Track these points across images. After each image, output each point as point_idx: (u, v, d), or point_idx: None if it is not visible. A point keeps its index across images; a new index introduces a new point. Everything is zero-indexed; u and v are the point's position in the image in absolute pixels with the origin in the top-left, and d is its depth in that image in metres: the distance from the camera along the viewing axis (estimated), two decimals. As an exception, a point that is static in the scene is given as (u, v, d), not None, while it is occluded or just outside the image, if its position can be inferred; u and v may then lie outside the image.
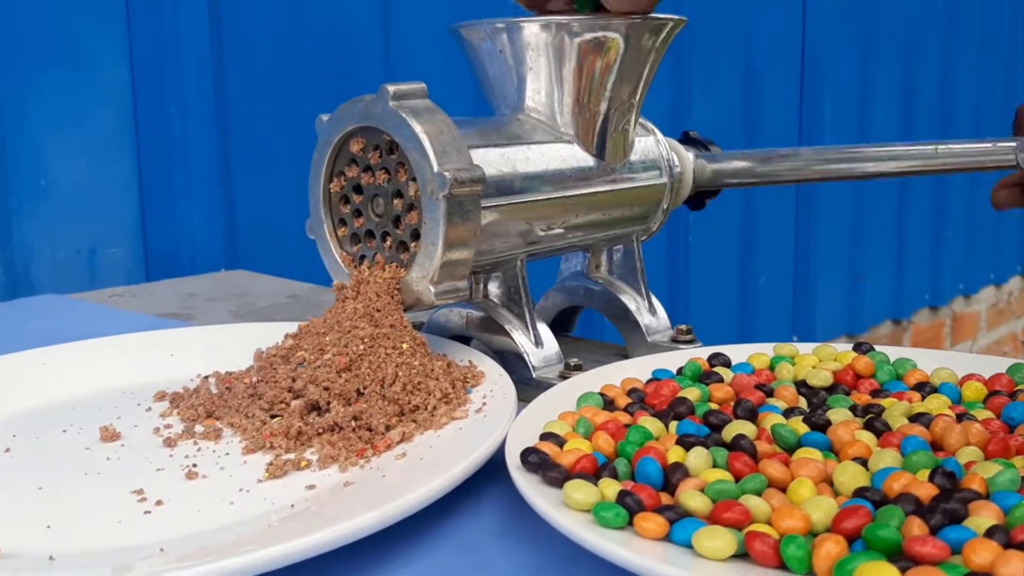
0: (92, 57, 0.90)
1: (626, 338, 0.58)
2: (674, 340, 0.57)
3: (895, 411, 0.39)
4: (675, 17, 0.54)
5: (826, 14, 1.74)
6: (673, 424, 0.39)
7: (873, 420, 0.38)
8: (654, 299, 0.59)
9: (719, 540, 0.29)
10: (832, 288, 1.88)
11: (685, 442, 0.36)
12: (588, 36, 0.52)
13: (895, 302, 2.10)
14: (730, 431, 0.37)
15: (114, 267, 0.92)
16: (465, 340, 0.54)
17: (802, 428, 0.38)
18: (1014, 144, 0.56)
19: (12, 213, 0.86)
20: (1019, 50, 2.28)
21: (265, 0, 0.98)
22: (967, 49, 2.13)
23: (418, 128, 0.45)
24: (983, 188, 2.34)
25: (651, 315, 0.58)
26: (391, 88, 0.46)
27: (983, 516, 0.29)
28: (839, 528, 0.29)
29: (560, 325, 0.64)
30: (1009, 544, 0.27)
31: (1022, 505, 0.29)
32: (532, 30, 0.52)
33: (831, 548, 0.28)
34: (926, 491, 0.30)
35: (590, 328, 0.66)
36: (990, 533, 0.28)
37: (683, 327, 0.58)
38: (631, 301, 0.59)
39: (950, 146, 0.58)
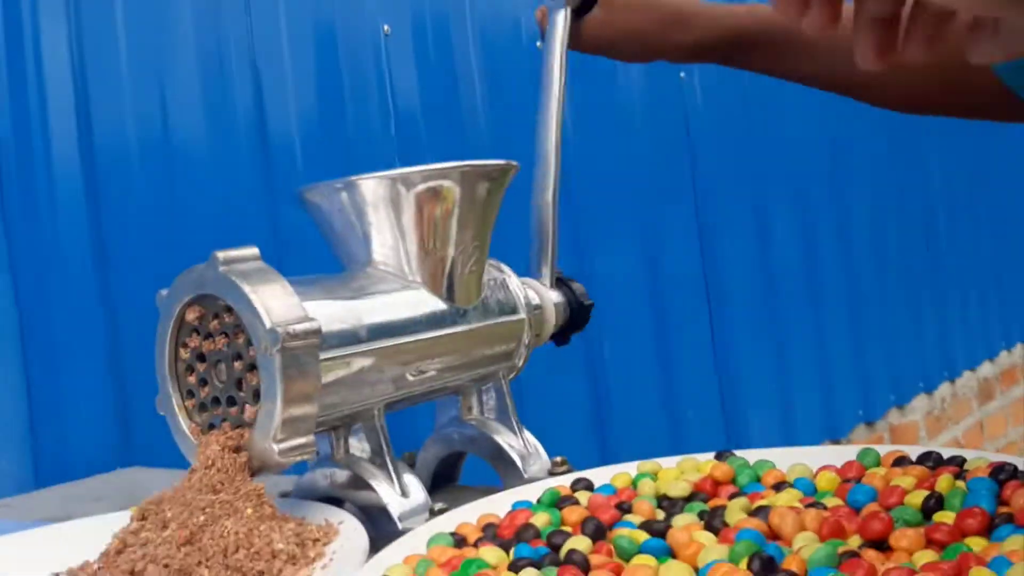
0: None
1: (503, 477, 0.58)
2: (550, 472, 0.56)
3: (735, 507, 0.39)
4: (505, 162, 0.57)
5: (712, 153, 1.84)
6: (514, 550, 0.38)
7: (711, 520, 0.37)
8: (528, 435, 0.59)
9: (531, 657, 0.28)
10: (763, 412, 1.89)
11: (516, 565, 0.35)
12: (423, 186, 0.54)
13: (828, 422, 2.11)
14: (566, 548, 0.36)
15: (2, 478, 0.89)
16: (337, 502, 0.53)
17: (643, 537, 0.37)
18: None
19: None
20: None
21: (146, 200, 1.00)
22: (860, 180, 2.24)
23: (247, 289, 0.45)
24: (895, 293, 2.40)
25: (526, 450, 0.58)
26: (220, 255, 0.47)
27: (798, 596, 0.29)
28: (653, 627, 0.28)
29: (444, 476, 0.63)
30: (815, 617, 0.27)
31: (834, 577, 0.29)
32: (368, 186, 0.54)
33: (639, 648, 0.27)
34: (741, 577, 0.30)
35: (487, 476, 0.65)
36: (797, 609, 0.27)
37: (558, 459, 0.57)
38: (504, 439, 0.58)
39: None
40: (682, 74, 1.84)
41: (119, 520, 0.53)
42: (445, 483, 0.62)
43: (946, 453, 0.43)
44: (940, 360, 2.57)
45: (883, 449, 0.45)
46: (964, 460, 0.41)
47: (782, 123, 2.05)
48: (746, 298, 1.88)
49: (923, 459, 0.43)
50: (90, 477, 0.88)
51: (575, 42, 0.71)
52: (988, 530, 0.33)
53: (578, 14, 0.70)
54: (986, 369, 2.78)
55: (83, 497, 0.78)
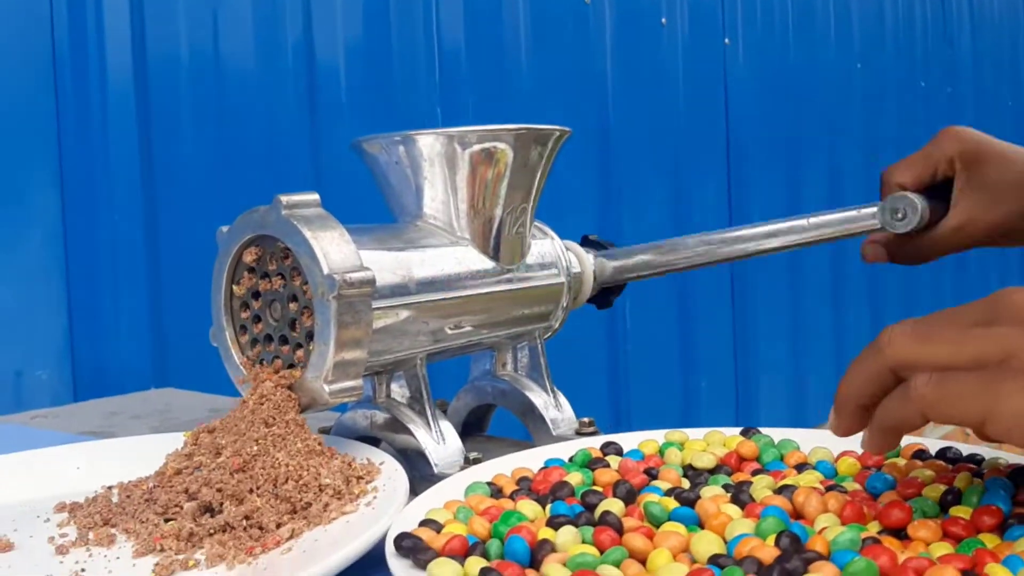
0: (23, 184, 0.92)
1: (532, 433, 0.60)
2: (578, 432, 0.59)
3: (760, 484, 0.41)
4: (558, 128, 0.58)
5: (750, 118, 1.83)
6: (550, 507, 0.40)
7: (738, 493, 0.39)
8: (559, 394, 0.61)
9: (570, 608, 0.30)
10: (775, 388, 1.91)
11: (555, 521, 0.37)
12: (478, 147, 0.56)
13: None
14: (600, 508, 0.38)
15: (40, 389, 0.92)
16: (374, 441, 0.56)
17: (672, 504, 0.39)
18: (875, 209, 0.60)
19: (-64, 338, 0.87)
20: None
21: (196, 123, 1.02)
22: (888, 147, 2.23)
23: (309, 234, 0.47)
24: (917, 279, 2.40)
25: (556, 410, 0.60)
26: (283, 198, 0.48)
27: (821, 574, 0.31)
28: (685, 591, 0.30)
29: (474, 425, 0.65)
30: (837, 596, 0.29)
31: (856, 562, 0.31)
32: (426, 142, 0.56)
33: (671, 608, 0.29)
34: (769, 553, 0.32)
35: (512, 429, 0.67)
36: (821, 587, 0.29)
37: (586, 420, 0.59)
38: (537, 397, 0.60)
39: (820, 217, 0.62)
40: (727, 40, 1.83)
41: (164, 441, 0.56)
42: (474, 432, 0.65)
43: (959, 445, 0.45)
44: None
45: (903, 440, 0.47)
46: (982, 459, 0.43)
47: (819, 94, 2.04)
48: (769, 272, 1.89)
49: (942, 453, 0.44)
50: (125, 395, 0.91)
51: (927, 249, 0.62)
52: (1002, 529, 0.35)
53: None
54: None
55: (121, 414, 0.81)
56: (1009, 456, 0.43)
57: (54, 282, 0.94)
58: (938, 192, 0.61)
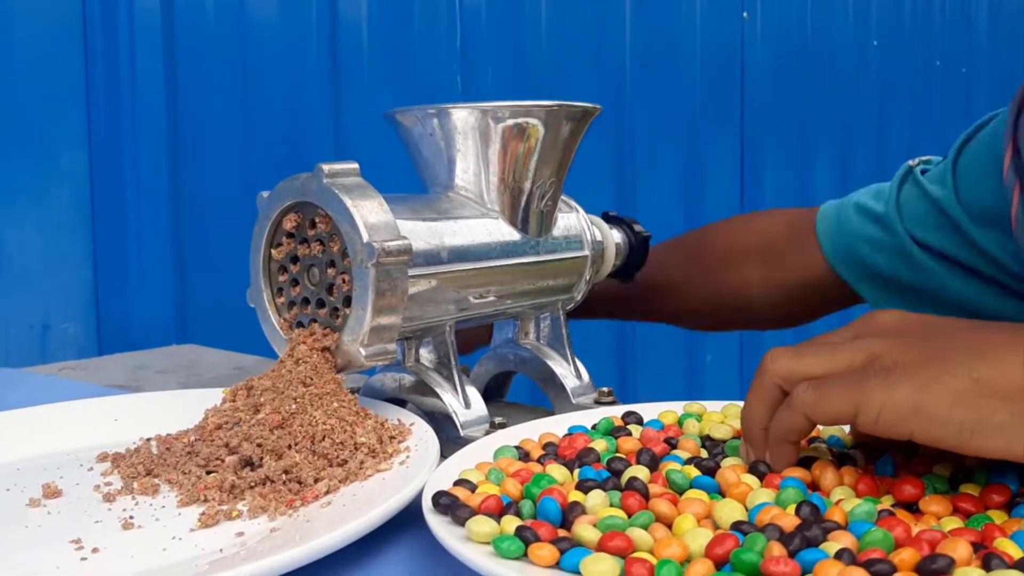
0: (51, 139, 0.94)
1: (552, 400, 0.62)
2: (597, 401, 0.61)
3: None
4: (589, 105, 0.59)
5: (764, 96, 1.84)
6: (578, 471, 0.42)
7: (757, 464, 0.41)
8: (579, 364, 0.63)
9: (603, 564, 0.32)
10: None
11: (584, 485, 0.39)
12: (511, 121, 0.57)
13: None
14: (627, 475, 0.40)
15: (66, 342, 0.94)
16: (400, 403, 0.58)
17: (694, 472, 0.41)
18: None
19: (-34, 289, 0.88)
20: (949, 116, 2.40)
21: (222, 86, 1.03)
22: (900, 130, 2.24)
23: (349, 203, 0.49)
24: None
25: (576, 379, 0.62)
26: (325, 167, 0.50)
27: (839, 543, 0.33)
28: (710, 554, 0.32)
29: (495, 391, 0.67)
30: (854, 563, 0.31)
31: (873, 532, 0.33)
32: (460, 115, 0.57)
33: (699, 570, 0.31)
34: (790, 521, 0.34)
35: (531, 396, 0.69)
36: (839, 555, 0.31)
37: (605, 389, 0.61)
38: (558, 366, 0.62)
39: None
40: (745, 14, 1.83)
41: (197, 396, 0.58)
42: (494, 398, 0.67)
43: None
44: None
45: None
46: None
47: (834, 69, 2.03)
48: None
49: None
50: (149, 350, 0.93)
51: None
52: (1009, 508, 0.37)
53: None
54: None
55: (146, 368, 0.83)
56: None
57: (80, 238, 0.96)
58: None
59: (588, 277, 0.64)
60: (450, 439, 0.53)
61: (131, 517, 0.42)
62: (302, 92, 1.11)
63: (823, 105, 2.01)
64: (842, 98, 2.07)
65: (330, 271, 0.51)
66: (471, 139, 0.58)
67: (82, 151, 0.95)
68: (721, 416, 0.51)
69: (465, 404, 0.55)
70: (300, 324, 0.53)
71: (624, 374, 1.57)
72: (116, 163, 0.96)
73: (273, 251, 0.54)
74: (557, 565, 0.33)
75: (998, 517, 0.36)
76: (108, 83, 0.96)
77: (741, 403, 0.53)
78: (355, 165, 0.51)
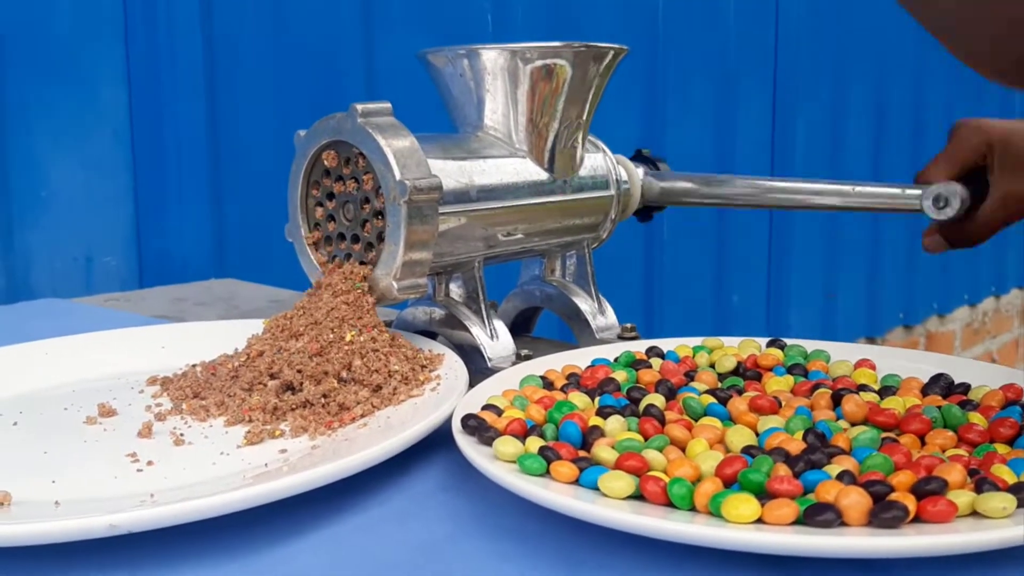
0: (92, 77, 0.96)
1: (577, 336, 0.64)
2: (620, 336, 0.63)
3: (773, 383, 0.45)
4: (616, 46, 0.60)
5: (799, 40, 1.82)
6: (599, 399, 0.44)
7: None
8: (604, 301, 0.65)
9: (620, 481, 0.35)
10: (805, 306, 1.94)
11: (604, 411, 0.41)
12: (539, 63, 0.59)
13: (869, 320, 2.16)
14: (645, 402, 0.42)
15: (109, 274, 0.98)
16: (431, 336, 0.60)
17: (708, 400, 0.43)
18: (919, 192, 0.63)
19: (14, 222, 0.92)
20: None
21: (256, 26, 1.05)
22: (937, 78, 2.20)
23: (382, 142, 0.51)
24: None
25: (601, 315, 0.64)
26: (359, 107, 0.52)
27: (841, 466, 0.35)
28: (720, 474, 0.35)
29: (522, 326, 0.70)
30: (854, 484, 0.33)
31: (874, 456, 0.35)
32: (490, 56, 0.59)
33: (708, 487, 0.33)
34: (796, 446, 0.36)
35: (558, 332, 0.71)
36: (840, 476, 0.34)
37: (628, 325, 0.64)
38: (583, 303, 0.64)
39: (865, 187, 0.65)
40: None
41: (238, 326, 0.61)
42: (521, 332, 0.69)
43: (976, 367, 0.48)
44: (991, 274, 2.57)
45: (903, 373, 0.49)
46: (969, 387, 0.45)
47: (871, 11, 2.00)
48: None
49: (935, 381, 0.45)
50: (188, 283, 0.96)
51: (978, 231, 0.66)
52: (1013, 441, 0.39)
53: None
54: (1035, 289, 2.78)
55: (187, 300, 0.86)
56: (992, 384, 0.45)
57: (121, 175, 0.99)
58: (969, 181, 0.64)
59: (614, 216, 0.66)
60: (479, 370, 0.56)
61: (182, 435, 0.45)
62: (335, 31, 1.12)
63: (859, 48, 1.98)
64: (878, 41, 2.03)
65: (364, 208, 0.54)
66: (500, 80, 0.59)
67: (122, 88, 0.98)
68: (734, 349, 0.53)
69: (493, 337, 0.57)
70: (335, 258, 0.56)
71: (651, 314, 1.59)
72: (155, 101, 0.99)
73: (311, 188, 0.56)
74: (577, 482, 0.36)
75: (1002, 449, 0.38)
76: (146, 21, 0.98)
77: (759, 339, 0.55)
78: (388, 105, 0.53)
